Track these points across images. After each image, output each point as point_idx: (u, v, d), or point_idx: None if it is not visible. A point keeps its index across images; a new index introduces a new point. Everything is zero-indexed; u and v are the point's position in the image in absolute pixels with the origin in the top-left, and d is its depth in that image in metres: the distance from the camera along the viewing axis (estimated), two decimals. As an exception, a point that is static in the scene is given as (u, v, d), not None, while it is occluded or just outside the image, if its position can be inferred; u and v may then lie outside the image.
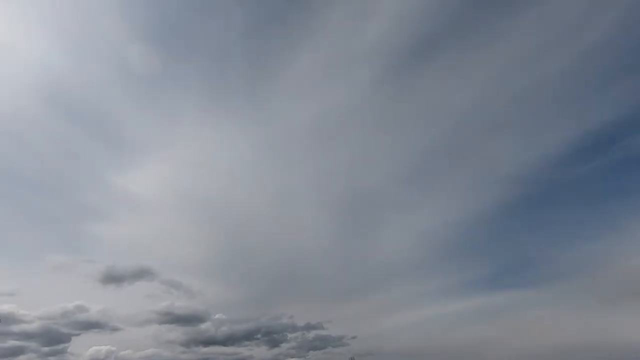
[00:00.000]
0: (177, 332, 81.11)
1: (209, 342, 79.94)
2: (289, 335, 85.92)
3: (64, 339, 65.88)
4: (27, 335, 60.07)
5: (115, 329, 73.18)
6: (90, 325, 72.71)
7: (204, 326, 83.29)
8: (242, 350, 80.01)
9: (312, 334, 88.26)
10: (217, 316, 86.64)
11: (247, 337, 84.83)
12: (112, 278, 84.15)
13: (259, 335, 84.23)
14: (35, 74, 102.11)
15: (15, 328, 59.53)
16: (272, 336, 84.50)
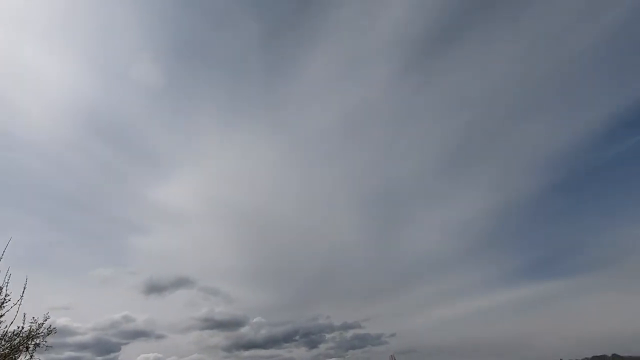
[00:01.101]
0: (218, 337, 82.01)
1: (249, 345, 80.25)
2: (327, 336, 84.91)
3: (114, 348, 68.88)
4: (82, 346, 63.10)
5: (160, 337, 75.41)
6: (137, 334, 75.43)
7: (243, 330, 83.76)
8: (282, 352, 79.78)
9: (349, 334, 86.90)
10: (255, 320, 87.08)
11: (286, 339, 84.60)
12: (154, 288, 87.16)
13: (297, 337, 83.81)
14: (69, 101, 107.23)
15: (70, 340, 62.16)
16: (310, 337, 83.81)
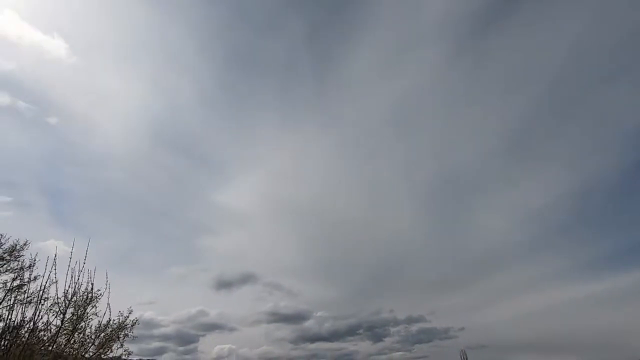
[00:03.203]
0: (285, 330, 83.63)
1: (314, 338, 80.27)
2: (392, 329, 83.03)
3: (193, 339, 74.13)
4: (166, 337, 68.27)
5: (232, 329, 79.90)
6: (212, 327, 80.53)
7: (307, 324, 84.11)
8: (347, 345, 78.91)
9: (415, 327, 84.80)
10: (319, 314, 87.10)
11: (350, 332, 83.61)
12: (223, 284, 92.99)
13: (360, 331, 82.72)
14: (138, 117, 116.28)
15: (156, 332, 67.47)
16: (374, 331, 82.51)
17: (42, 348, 9.25)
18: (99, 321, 10.53)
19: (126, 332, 11.06)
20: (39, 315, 9.10)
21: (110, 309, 10.40)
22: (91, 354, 10.15)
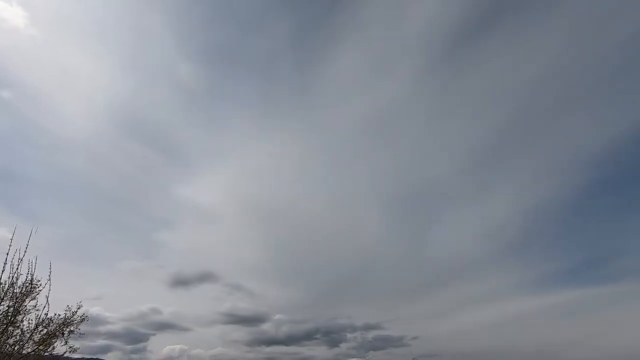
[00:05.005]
0: (241, 332, 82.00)
1: (271, 342, 79.16)
2: (348, 335, 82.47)
3: (143, 338, 70.59)
4: (113, 335, 64.75)
5: (185, 329, 76.73)
6: (164, 326, 77.00)
7: (265, 326, 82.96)
8: (303, 349, 78.14)
9: (371, 334, 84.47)
10: (277, 317, 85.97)
11: (307, 337, 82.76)
12: (180, 281, 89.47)
13: (318, 335, 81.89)
14: (104, 100, 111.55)
15: (102, 329, 63.95)
16: (331, 336, 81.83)
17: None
18: (38, 315, 9.78)
19: (72, 329, 10.30)
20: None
21: (49, 302, 9.66)
22: (29, 350, 9.38)
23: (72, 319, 10.40)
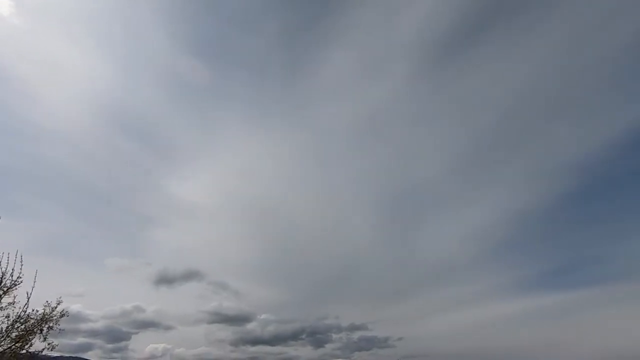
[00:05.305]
0: (226, 332, 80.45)
1: (256, 341, 78.30)
2: (334, 336, 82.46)
3: (124, 337, 68.52)
4: (94, 333, 62.56)
5: (169, 328, 74.68)
6: (147, 325, 74.65)
7: (250, 326, 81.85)
8: (288, 349, 77.71)
9: (356, 335, 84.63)
10: (262, 316, 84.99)
11: (293, 337, 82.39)
12: (165, 279, 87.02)
13: (303, 336, 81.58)
14: (90, 92, 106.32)
15: (83, 326, 61.24)
16: (316, 336, 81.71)
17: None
18: (16, 312, 9.46)
19: (51, 325, 10.01)
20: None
21: (29, 299, 9.35)
22: (5, 347, 9.08)
23: (51, 315, 10.11)
